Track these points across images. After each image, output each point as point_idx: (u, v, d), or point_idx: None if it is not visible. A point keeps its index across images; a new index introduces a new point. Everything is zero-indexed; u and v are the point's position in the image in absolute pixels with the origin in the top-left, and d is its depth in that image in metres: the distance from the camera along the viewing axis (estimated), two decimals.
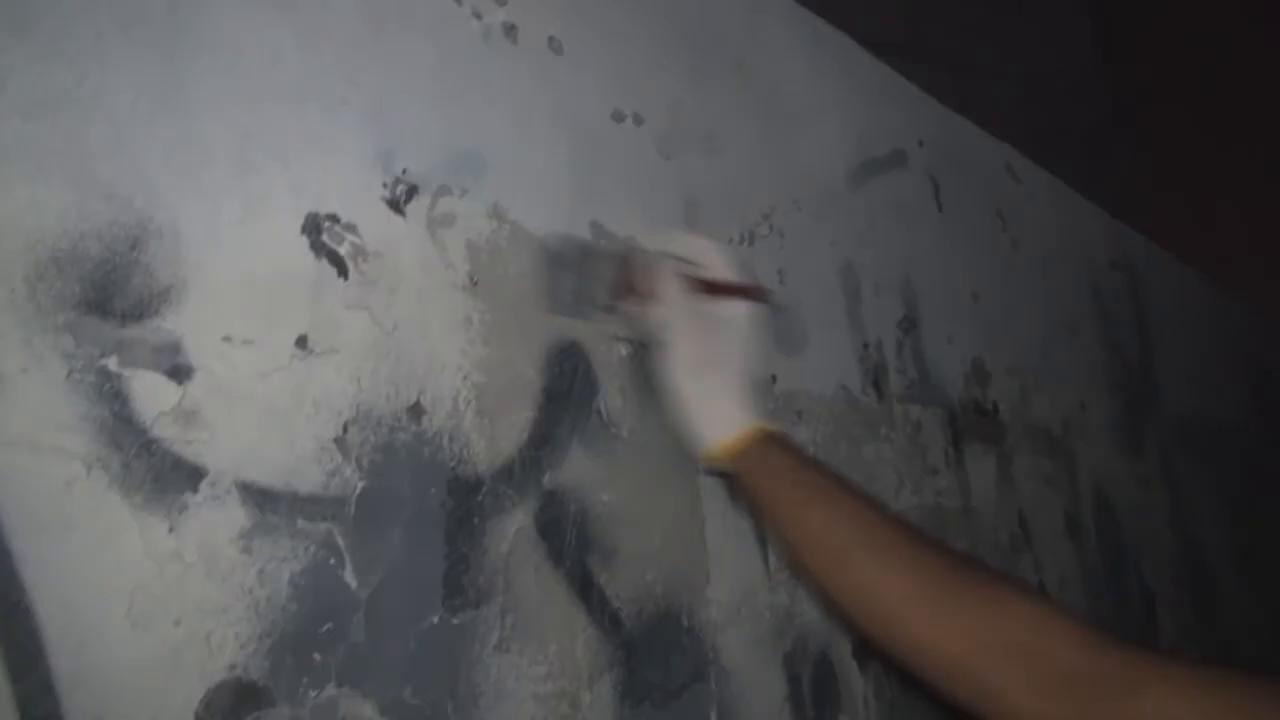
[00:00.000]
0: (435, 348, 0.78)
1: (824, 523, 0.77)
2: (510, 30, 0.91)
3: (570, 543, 0.84)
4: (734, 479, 0.85)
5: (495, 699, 0.75)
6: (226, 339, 0.65)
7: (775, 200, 1.21)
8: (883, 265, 1.38)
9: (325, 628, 0.65)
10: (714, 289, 0.86)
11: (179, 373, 0.61)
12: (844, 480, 0.81)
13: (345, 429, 0.70)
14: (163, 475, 0.59)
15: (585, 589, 0.84)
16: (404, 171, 0.79)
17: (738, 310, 0.86)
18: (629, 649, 0.86)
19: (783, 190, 1.23)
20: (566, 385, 0.87)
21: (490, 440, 0.80)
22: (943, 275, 1.52)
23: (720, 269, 0.88)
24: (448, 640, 0.73)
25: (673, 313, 0.85)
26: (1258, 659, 2.33)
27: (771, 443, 0.82)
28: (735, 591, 0.99)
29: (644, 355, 0.93)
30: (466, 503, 0.77)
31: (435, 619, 0.72)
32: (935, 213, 1.56)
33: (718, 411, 0.82)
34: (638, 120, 1.03)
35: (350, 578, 0.68)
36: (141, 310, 0.61)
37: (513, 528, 0.80)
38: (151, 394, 0.60)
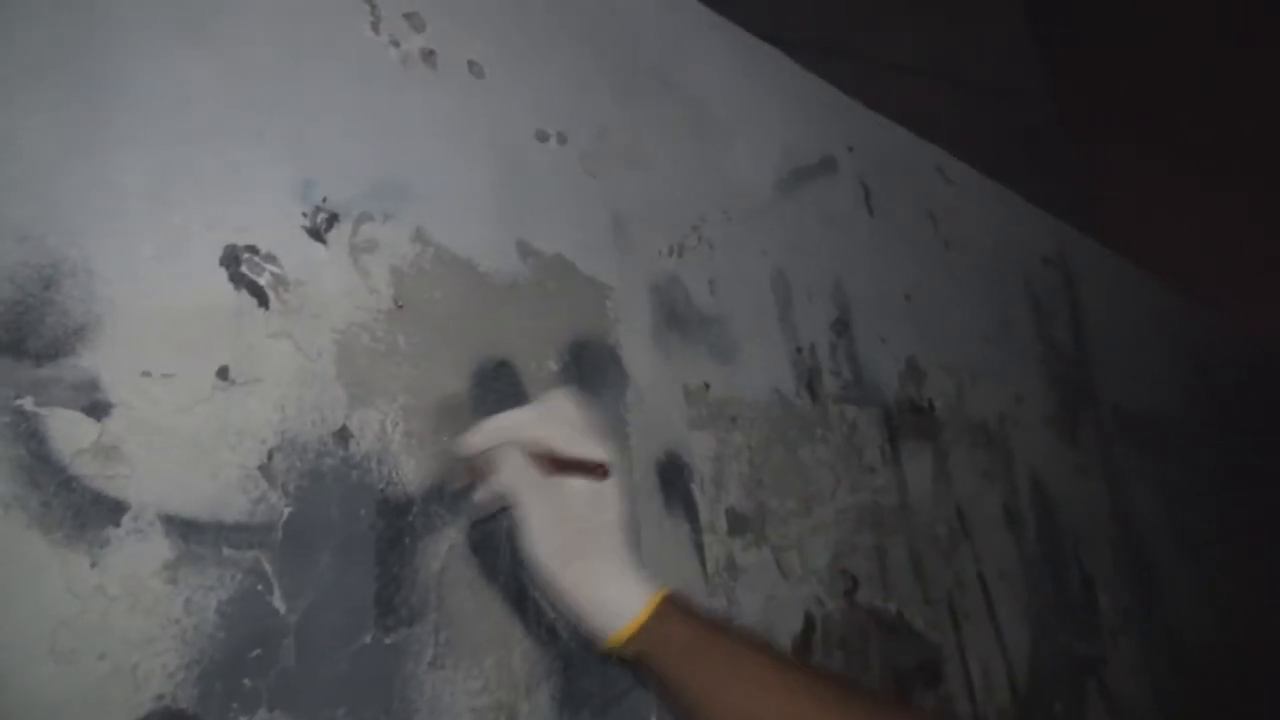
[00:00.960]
0: (361, 372, 0.79)
1: (744, 696, 0.70)
2: (429, 56, 0.93)
3: (504, 558, 0.86)
4: (635, 662, 0.76)
5: (431, 714, 0.76)
6: (145, 374, 0.66)
7: (704, 211, 1.24)
8: (814, 271, 1.41)
9: (255, 653, 0.67)
10: (562, 465, 0.77)
11: (97, 409, 0.62)
12: (753, 641, 0.76)
13: (270, 456, 0.71)
14: (83, 511, 0.60)
15: (520, 602, 0.86)
16: (324, 200, 0.80)
17: (594, 484, 0.76)
18: (566, 659, 0.88)
19: (712, 201, 1.25)
20: (496, 404, 0.89)
21: (420, 461, 0.82)
22: (875, 278, 1.55)
23: (566, 442, 0.77)
24: (381, 659, 0.74)
25: (515, 486, 0.76)
26: (1200, 647, 2.40)
27: (670, 615, 0.73)
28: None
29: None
30: (397, 523, 0.78)
31: (368, 639, 0.74)
32: (866, 217, 1.60)
33: (604, 598, 0.73)
34: (561, 139, 1.05)
35: (279, 603, 0.69)
36: (57, 349, 0.62)
37: (445, 546, 0.81)
38: (69, 431, 0.61)
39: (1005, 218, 2.13)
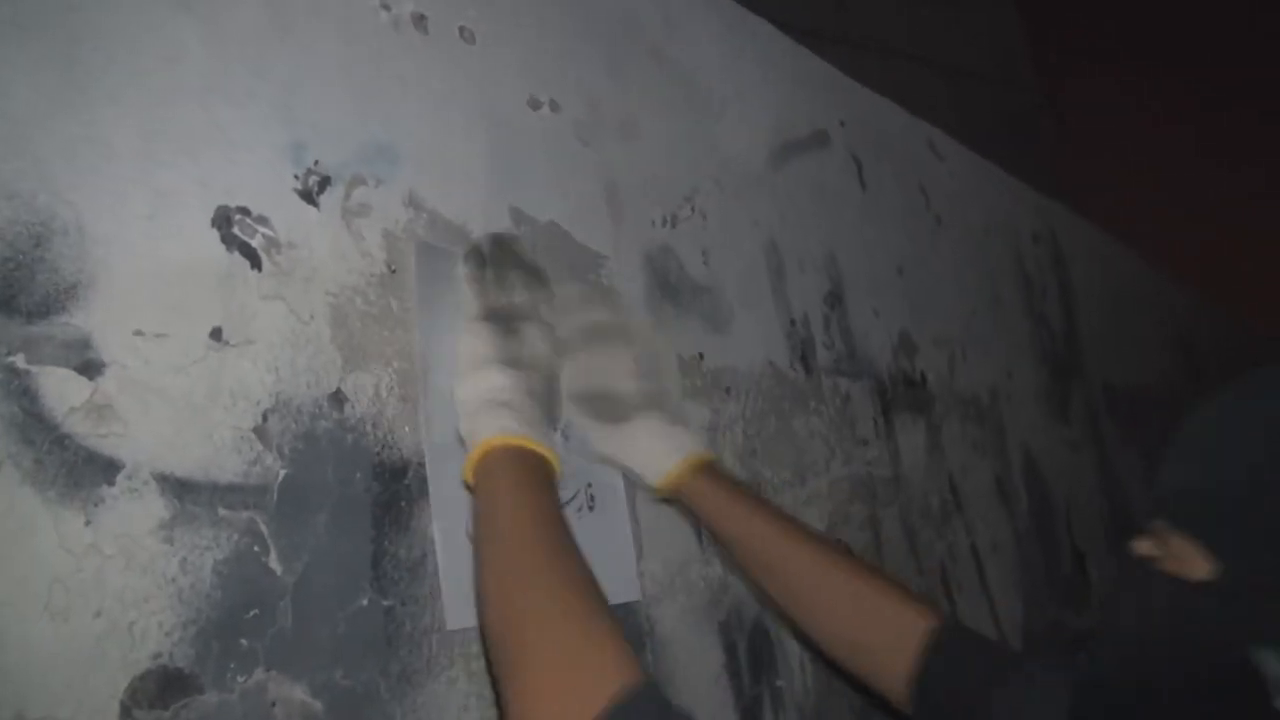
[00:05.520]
0: (355, 336, 0.79)
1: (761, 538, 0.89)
2: (420, 20, 0.92)
3: None
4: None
5: (429, 677, 0.76)
6: (138, 333, 0.65)
7: (697, 183, 1.23)
8: (807, 243, 1.41)
9: (252, 613, 0.66)
10: None
11: (90, 368, 0.62)
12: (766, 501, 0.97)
13: (265, 418, 0.70)
14: (76, 470, 0.60)
15: None
16: (316, 163, 0.79)
17: None
18: None
19: (704, 173, 1.25)
20: None
21: (415, 425, 0.81)
22: (867, 251, 1.56)
23: None
24: (378, 621, 0.74)
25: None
26: None
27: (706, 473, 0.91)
28: (668, 564, 1.01)
29: None
30: (393, 487, 0.78)
31: (364, 601, 0.74)
32: (859, 191, 1.60)
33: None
34: (554, 107, 1.05)
35: (275, 564, 0.68)
36: (48, 307, 0.61)
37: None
38: (62, 390, 0.60)
39: (995, 194, 2.13)
